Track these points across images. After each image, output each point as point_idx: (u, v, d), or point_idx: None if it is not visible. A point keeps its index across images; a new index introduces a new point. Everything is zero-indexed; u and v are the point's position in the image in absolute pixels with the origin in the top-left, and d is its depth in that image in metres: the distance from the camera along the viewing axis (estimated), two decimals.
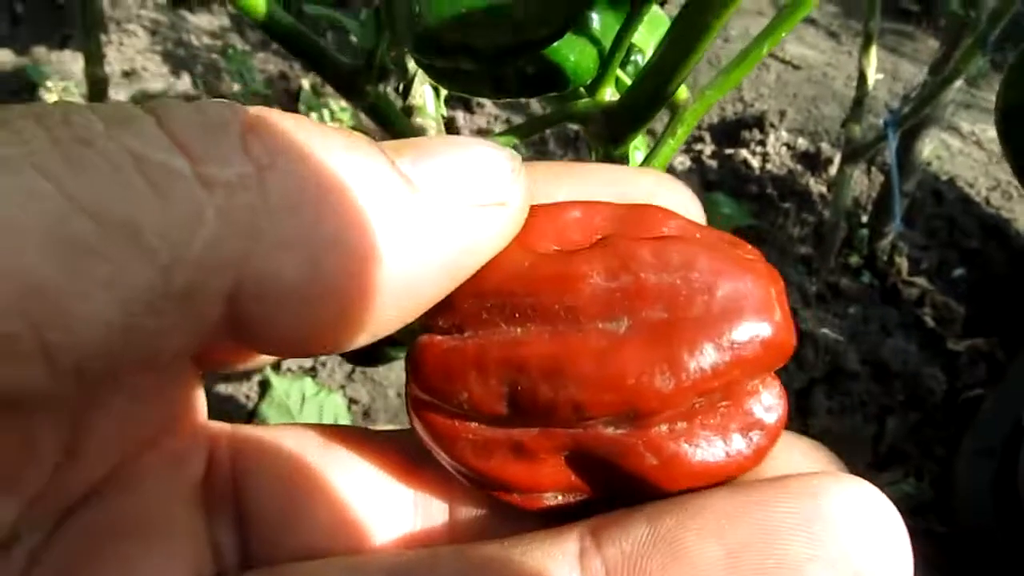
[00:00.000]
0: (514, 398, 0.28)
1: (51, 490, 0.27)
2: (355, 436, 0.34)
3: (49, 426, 0.27)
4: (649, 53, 0.59)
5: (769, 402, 0.29)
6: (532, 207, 0.30)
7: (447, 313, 0.29)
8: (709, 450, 0.29)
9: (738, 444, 0.29)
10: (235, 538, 0.32)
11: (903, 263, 2.01)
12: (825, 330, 1.78)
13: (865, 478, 0.27)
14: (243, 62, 2.09)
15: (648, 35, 0.58)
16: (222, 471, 0.32)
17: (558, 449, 0.30)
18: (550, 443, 0.29)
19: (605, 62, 0.47)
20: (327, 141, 0.24)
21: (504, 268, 0.29)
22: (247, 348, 0.28)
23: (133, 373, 0.23)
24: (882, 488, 0.27)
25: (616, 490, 0.30)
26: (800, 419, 1.67)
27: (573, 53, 0.45)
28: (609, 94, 0.48)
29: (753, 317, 0.28)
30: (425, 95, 0.63)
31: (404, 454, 0.33)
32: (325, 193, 0.23)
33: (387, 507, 0.33)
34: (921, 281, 2.00)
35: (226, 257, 0.22)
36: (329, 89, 2.26)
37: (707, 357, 0.27)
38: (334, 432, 0.34)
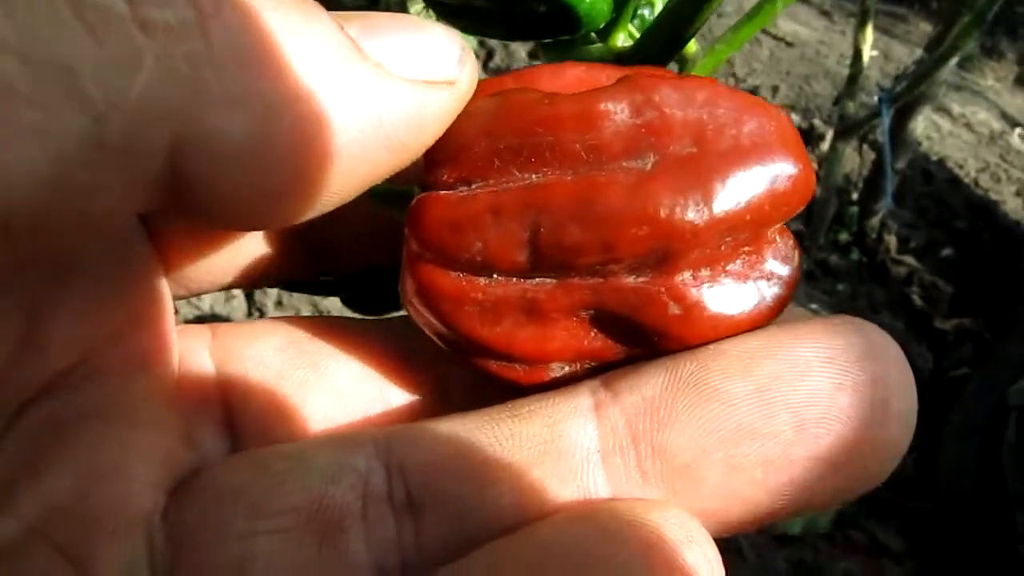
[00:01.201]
0: (536, 242, 0.27)
1: (8, 378, 0.26)
2: (344, 328, 0.33)
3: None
4: (659, 5, 0.57)
5: (785, 251, 0.29)
6: (534, 68, 0.29)
7: (451, 166, 0.27)
8: (732, 298, 0.28)
9: (760, 292, 0.28)
10: (223, 438, 0.31)
11: (892, 241, 2.01)
12: (814, 306, 1.78)
13: None
14: None
15: None
16: (202, 370, 0.31)
17: (574, 307, 0.28)
18: (567, 299, 0.28)
19: (619, 5, 0.45)
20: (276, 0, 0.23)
21: (518, 109, 0.27)
22: (191, 217, 0.26)
23: (67, 236, 0.22)
24: None
25: (630, 350, 0.29)
26: None
27: None
28: (622, 40, 0.47)
29: (783, 152, 0.27)
30: None
31: (397, 343, 0.32)
32: (273, 51, 0.22)
33: (379, 402, 0.32)
34: (909, 260, 2.00)
35: (166, 107, 0.20)
36: None
37: (741, 189, 0.26)
38: (321, 324, 0.33)
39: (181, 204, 0.22)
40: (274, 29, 0.22)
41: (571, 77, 0.29)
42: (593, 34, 0.48)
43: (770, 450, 0.26)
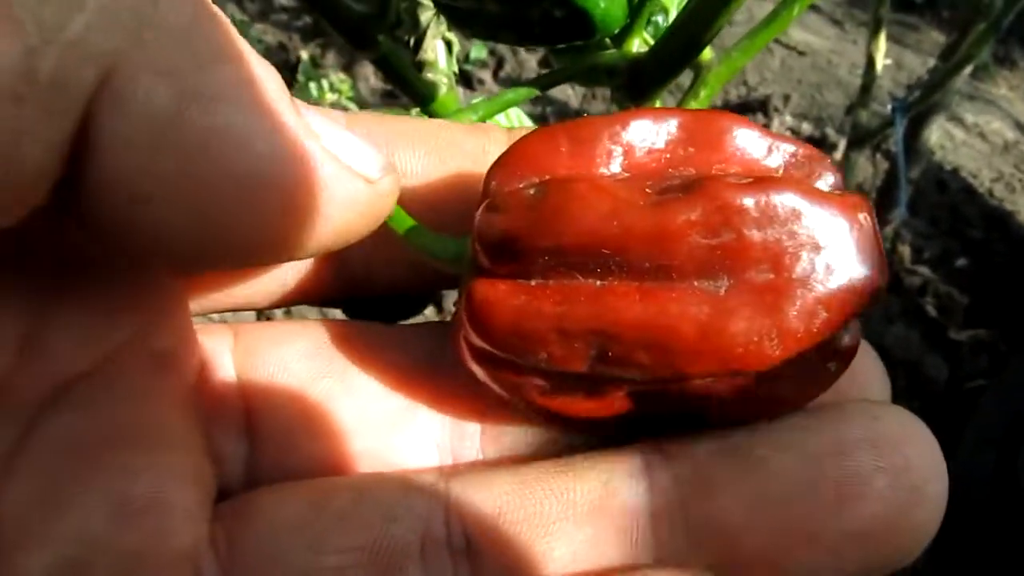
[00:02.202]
0: (603, 360, 0.26)
1: (13, 385, 0.25)
2: (368, 334, 0.32)
3: None
4: (673, 12, 0.57)
5: (851, 331, 0.28)
6: (586, 120, 0.28)
7: (510, 261, 0.27)
8: (796, 383, 0.28)
9: (817, 377, 0.28)
10: (242, 447, 0.30)
11: (906, 251, 2.00)
12: None
13: None
14: (241, 32, 2.04)
15: None
16: (223, 375, 0.30)
17: (634, 391, 0.28)
18: (628, 387, 0.28)
19: (635, 10, 0.44)
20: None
21: (582, 215, 0.26)
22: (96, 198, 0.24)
23: None
24: None
25: (682, 419, 0.29)
26: None
27: None
28: (636, 46, 0.46)
29: (860, 269, 0.26)
30: (437, 50, 0.61)
31: (422, 352, 0.32)
32: (215, 45, 0.22)
33: (407, 414, 0.31)
34: (924, 270, 1.98)
35: (100, 50, 0.20)
36: (328, 60, 2.23)
37: (817, 318, 0.26)
38: (346, 329, 0.32)
39: (86, 178, 0.21)
40: (222, 31, 0.22)
41: (632, 135, 0.28)
42: (607, 40, 0.47)
43: (810, 523, 0.27)
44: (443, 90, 0.59)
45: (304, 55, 2.19)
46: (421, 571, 0.27)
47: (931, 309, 1.88)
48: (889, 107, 1.72)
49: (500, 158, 0.28)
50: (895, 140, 1.77)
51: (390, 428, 0.31)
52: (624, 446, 0.29)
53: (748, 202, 0.25)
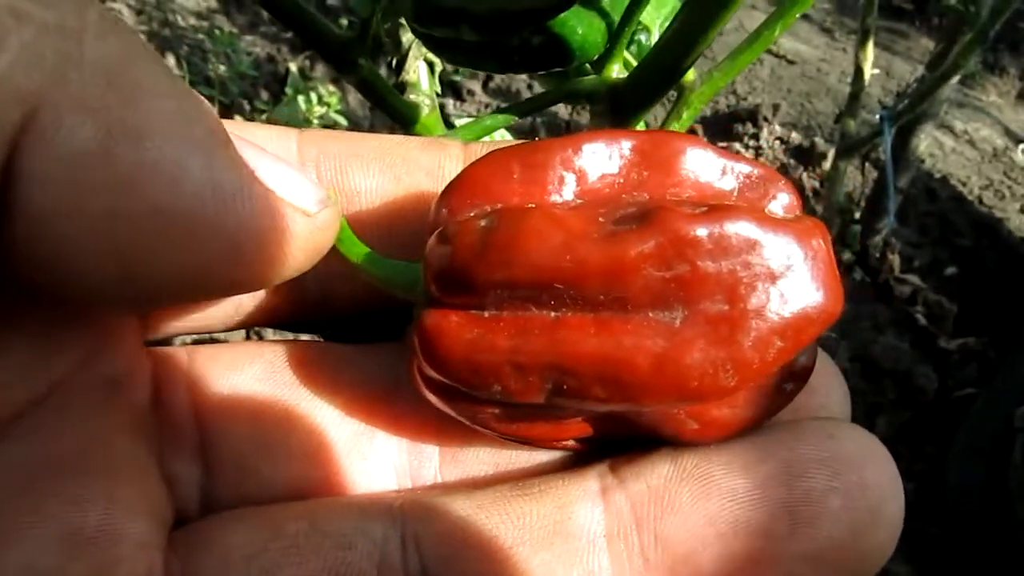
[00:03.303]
0: (558, 393, 0.26)
1: None
2: (329, 355, 0.32)
3: None
4: (656, 33, 0.56)
5: (808, 352, 0.28)
6: (538, 144, 0.28)
7: (462, 292, 0.27)
8: (752, 406, 0.28)
9: (774, 399, 0.28)
10: (197, 472, 0.30)
11: (895, 260, 2.00)
12: None
13: None
14: (230, 43, 2.05)
15: (655, 12, 0.56)
16: (177, 400, 0.30)
17: (590, 418, 0.28)
18: (586, 414, 0.28)
19: (614, 36, 0.44)
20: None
21: (536, 248, 0.25)
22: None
23: None
24: None
25: (639, 439, 0.29)
26: None
27: (581, 25, 0.43)
28: (616, 71, 0.46)
29: (814, 296, 0.26)
30: (419, 71, 0.60)
31: (383, 373, 0.32)
32: (142, 88, 0.22)
33: (364, 438, 0.31)
34: (913, 279, 1.98)
35: (23, 89, 0.20)
36: (317, 72, 2.23)
37: (772, 347, 0.26)
38: (306, 350, 0.32)
39: (8, 207, 0.21)
40: (152, 68, 0.22)
41: (584, 159, 0.27)
42: (588, 65, 0.47)
43: (764, 546, 0.27)
44: (425, 111, 0.59)
45: (293, 67, 2.19)
46: None
47: (921, 318, 1.88)
48: (877, 116, 1.72)
49: (451, 184, 0.28)
50: (883, 149, 1.77)
51: (347, 452, 0.30)
52: (580, 468, 0.29)
53: (701, 233, 0.25)
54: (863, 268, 2.02)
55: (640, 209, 0.26)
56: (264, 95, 2.13)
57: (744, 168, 0.28)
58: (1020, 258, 2.07)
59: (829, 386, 0.31)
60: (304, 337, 0.35)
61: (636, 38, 0.58)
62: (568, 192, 0.27)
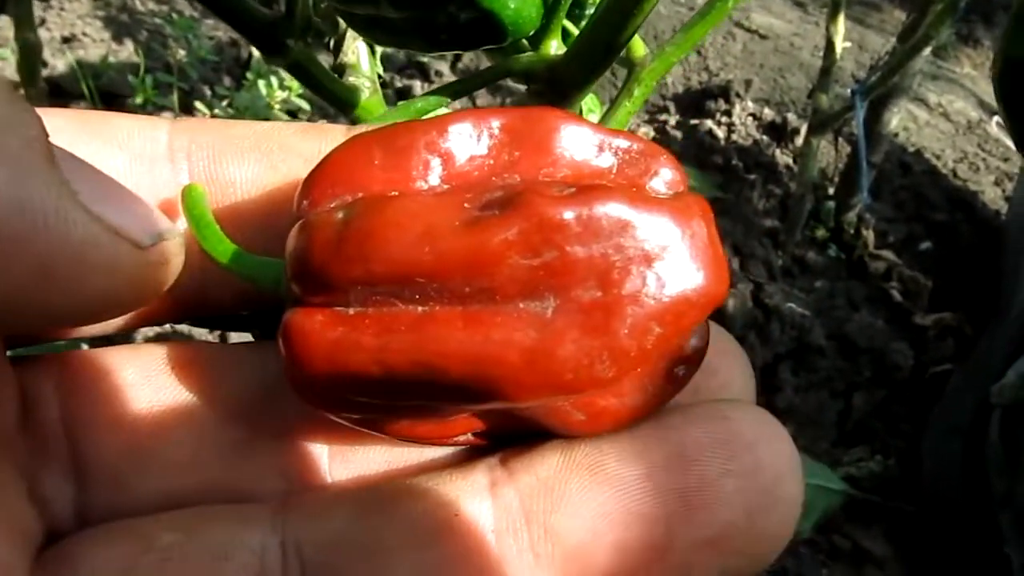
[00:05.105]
0: (431, 395, 0.25)
1: None
2: (213, 356, 0.31)
3: None
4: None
5: (700, 331, 0.27)
6: (401, 126, 0.26)
7: (324, 290, 0.25)
8: (641, 394, 0.26)
9: (670, 377, 0.27)
10: (70, 488, 0.28)
11: (870, 236, 1.98)
12: (791, 305, 1.75)
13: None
14: (190, 28, 1.99)
15: None
16: (46, 412, 0.28)
17: (476, 413, 0.27)
18: (470, 411, 0.27)
19: (550, 11, 0.41)
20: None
21: (396, 241, 0.24)
22: None
23: None
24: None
25: (531, 432, 0.28)
26: (765, 396, 1.64)
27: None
28: (555, 47, 0.43)
29: (694, 278, 0.25)
30: (359, 51, 0.57)
31: (273, 378, 0.30)
32: None
33: (245, 445, 0.29)
34: (888, 254, 1.97)
35: None
36: None
37: (651, 334, 0.24)
38: (188, 352, 0.30)
39: None
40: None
41: (453, 139, 0.26)
42: (525, 41, 0.44)
43: (658, 534, 0.26)
44: (366, 94, 0.56)
45: (255, 52, 2.14)
46: None
47: (896, 294, 1.87)
48: (849, 91, 1.71)
49: (311, 173, 0.26)
50: (856, 124, 1.75)
51: (228, 458, 0.29)
52: (469, 462, 0.28)
53: (569, 216, 0.24)
54: (838, 245, 2.01)
55: (506, 193, 0.24)
56: (226, 80, 2.08)
57: (623, 143, 0.26)
58: (995, 231, 2.06)
59: (730, 366, 0.30)
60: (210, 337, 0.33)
61: (584, 13, 0.56)
62: (434, 177, 0.25)
